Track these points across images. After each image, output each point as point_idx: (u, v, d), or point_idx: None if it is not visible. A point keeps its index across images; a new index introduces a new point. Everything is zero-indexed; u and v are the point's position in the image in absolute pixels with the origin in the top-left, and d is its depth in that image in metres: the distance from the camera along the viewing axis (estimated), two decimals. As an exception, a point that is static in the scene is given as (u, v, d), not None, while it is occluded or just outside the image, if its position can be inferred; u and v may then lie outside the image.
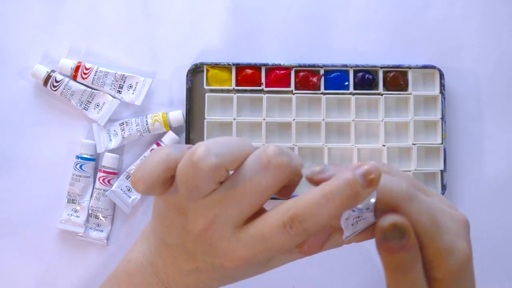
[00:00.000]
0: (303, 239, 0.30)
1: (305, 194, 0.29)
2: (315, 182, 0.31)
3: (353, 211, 0.32)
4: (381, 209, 0.31)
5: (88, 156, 0.57)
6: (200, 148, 0.29)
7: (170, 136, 0.57)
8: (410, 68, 0.58)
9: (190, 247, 0.32)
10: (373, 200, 0.30)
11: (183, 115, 0.58)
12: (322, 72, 0.58)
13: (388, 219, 0.30)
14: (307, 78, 0.58)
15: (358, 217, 0.32)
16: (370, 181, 0.28)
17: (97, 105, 0.58)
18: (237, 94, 0.57)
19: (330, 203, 0.29)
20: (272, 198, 0.32)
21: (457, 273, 0.32)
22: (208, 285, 0.35)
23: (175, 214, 0.32)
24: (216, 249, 0.31)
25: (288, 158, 0.30)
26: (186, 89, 0.58)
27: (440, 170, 0.57)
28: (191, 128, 0.58)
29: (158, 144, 0.57)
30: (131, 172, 0.57)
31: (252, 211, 0.31)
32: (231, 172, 0.31)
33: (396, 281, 0.31)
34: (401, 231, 0.30)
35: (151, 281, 0.35)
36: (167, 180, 0.31)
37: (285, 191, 0.33)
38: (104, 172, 0.57)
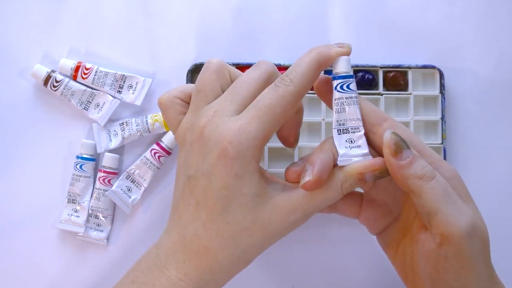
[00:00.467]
0: (290, 92, 0.35)
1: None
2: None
3: (336, 89, 0.37)
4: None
5: (88, 156, 0.57)
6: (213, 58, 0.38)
7: (170, 136, 0.57)
8: (410, 68, 0.58)
9: (192, 166, 0.35)
10: (350, 72, 0.37)
11: (183, 115, 0.58)
12: (321, 72, 0.58)
13: (387, 133, 0.35)
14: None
15: (351, 141, 0.36)
16: (342, 44, 0.37)
17: (97, 105, 0.58)
18: (237, 94, 0.57)
19: (308, 54, 0.36)
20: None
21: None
22: (202, 242, 0.34)
23: (185, 136, 0.37)
24: (213, 141, 0.34)
25: (273, 65, 0.39)
26: (186, 89, 0.58)
27: (440, 170, 0.57)
28: (191, 128, 0.58)
29: (158, 144, 0.57)
30: (131, 171, 0.57)
31: (243, 101, 0.36)
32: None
33: (430, 192, 0.33)
34: (403, 140, 0.35)
35: (151, 263, 0.36)
36: (183, 102, 0.40)
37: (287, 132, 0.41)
38: (104, 172, 0.57)
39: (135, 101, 0.58)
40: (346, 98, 0.37)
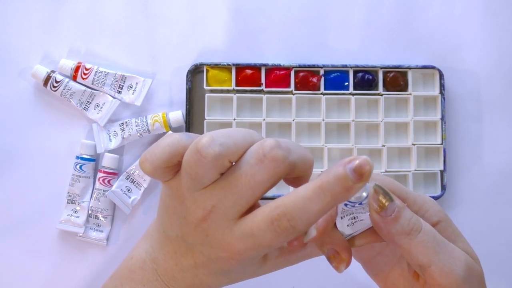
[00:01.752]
0: (291, 237, 0.30)
1: (295, 191, 0.29)
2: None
3: (346, 205, 0.32)
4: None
5: (88, 157, 0.57)
6: (205, 137, 0.30)
7: (170, 137, 0.57)
8: (410, 68, 0.58)
9: (189, 239, 0.33)
10: (365, 194, 0.31)
11: (183, 116, 0.58)
12: (322, 72, 0.58)
13: (370, 188, 0.32)
14: (307, 78, 0.58)
15: (354, 218, 0.33)
16: (361, 175, 0.27)
17: (97, 106, 0.58)
18: (237, 95, 0.57)
19: (320, 198, 0.28)
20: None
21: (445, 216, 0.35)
22: (205, 283, 0.35)
23: (177, 203, 0.33)
24: (212, 240, 0.31)
25: (284, 153, 0.30)
26: (186, 89, 0.58)
27: (440, 171, 0.57)
28: (191, 129, 0.58)
29: (158, 145, 0.57)
30: (131, 172, 0.57)
31: (247, 204, 0.31)
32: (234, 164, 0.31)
33: (420, 246, 0.32)
34: (386, 192, 0.32)
35: (151, 278, 0.35)
36: (174, 166, 0.32)
37: (299, 182, 0.33)
38: (104, 172, 0.57)
39: (135, 102, 0.58)
40: (355, 213, 0.34)
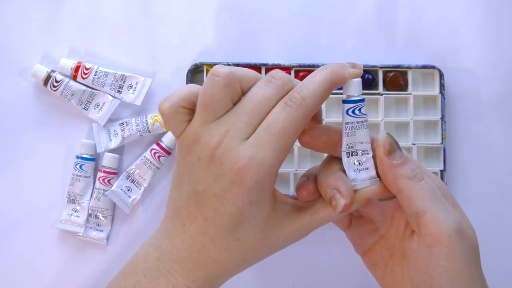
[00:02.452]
0: (302, 111, 0.33)
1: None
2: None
3: (347, 111, 0.36)
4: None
5: (88, 156, 0.57)
6: (217, 65, 0.34)
7: (170, 136, 0.57)
8: (410, 68, 0.58)
9: (201, 185, 0.33)
10: (360, 97, 0.37)
11: (183, 115, 0.58)
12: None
13: (382, 133, 0.36)
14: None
15: (359, 163, 0.37)
16: (354, 64, 0.36)
17: (97, 105, 0.58)
18: (237, 94, 0.57)
19: (321, 71, 0.35)
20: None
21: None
22: (211, 256, 0.34)
23: (192, 149, 0.34)
24: (226, 166, 0.32)
25: (289, 76, 0.35)
26: (186, 89, 0.58)
27: (440, 170, 0.57)
28: (191, 128, 0.58)
29: (158, 144, 0.57)
30: (131, 171, 0.57)
31: (258, 121, 0.33)
32: None
33: (419, 192, 0.34)
34: (397, 141, 0.36)
35: (152, 268, 0.35)
36: (189, 111, 0.35)
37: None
38: (104, 172, 0.57)
39: (135, 101, 0.58)
40: (357, 122, 0.37)
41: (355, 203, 0.36)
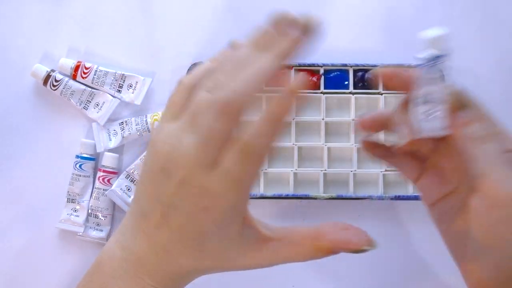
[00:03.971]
0: (256, 163, 0.32)
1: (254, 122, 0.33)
2: None
3: (420, 65, 0.32)
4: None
5: (88, 156, 0.57)
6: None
7: (169, 136, 0.57)
8: (410, 67, 0.58)
9: (167, 198, 0.33)
10: (436, 52, 0.32)
11: (183, 115, 0.58)
12: (321, 71, 0.58)
13: (454, 85, 0.33)
14: (307, 77, 0.58)
15: (429, 113, 0.33)
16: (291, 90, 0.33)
17: (97, 105, 0.58)
18: (237, 94, 0.57)
19: (268, 122, 0.33)
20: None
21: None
22: (178, 261, 0.34)
23: (156, 161, 0.33)
24: (194, 190, 0.32)
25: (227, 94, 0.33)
26: (186, 88, 0.58)
27: (440, 170, 0.57)
28: (191, 128, 0.58)
29: (157, 144, 0.57)
30: (131, 171, 0.57)
31: (215, 147, 0.32)
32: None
33: (483, 153, 0.33)
34: (468, 97, 0.34)
35: (120, 270, 0.35)
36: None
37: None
38: (104, 171, 0.57)
39: (135, 101, 0.58)
40: (435, 77, 0.33)
41: (319, 255, 0.35)
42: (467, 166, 0.34)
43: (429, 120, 0.33)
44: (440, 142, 0.36)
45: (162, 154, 0.33)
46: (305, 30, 0.34)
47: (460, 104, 0.34)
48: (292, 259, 0.36)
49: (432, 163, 0.40)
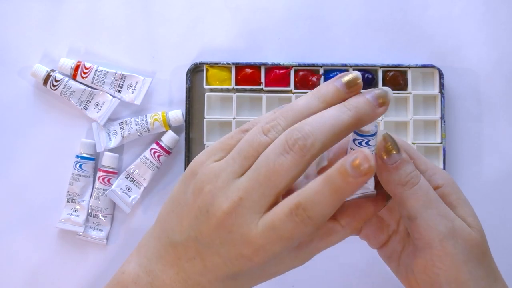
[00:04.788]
0: (310, 228, 0.30)
1: (309, 183, 0.30)
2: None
3: (354, 141, 0.34)
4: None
5: (88, 156, 0.57)
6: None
7: (169, 136, 0.57)
8: (409, 67, 0.58)
9: (205, 238, 0.31)
10: (373, 130, 0.33)
11: (183, 115, 0.58)
12: (321, 71, 0.58)
13: (379, 136, 0.34)
14: (307, 77, 0.58)
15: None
16: (359, 172, 0.28)
17: (97, 105, 0.58)
18: (236, 94, 0.57)
19: (327, 191, 0.29)
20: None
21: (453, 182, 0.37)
22: None
23: (198, 197, 0.32)
24: (235, 236, 0.30)
25: (303, 141, 0.30)
26: (186, 88, 0.58)
27: (440, 170, 0.57)
28: (191, 128, 0.58)
29: (158, 144, 0.57)
30: (131, 171, 0.57)
31: (275, 196, 0.30)
32: None
33: (411, 198, 0.34)
34: (395, 142, 0.34)
35: None
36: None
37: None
38: (104, 171, 0.57)
39: (135, 101, 0.58)
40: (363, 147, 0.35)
41: (354, 233, 0.36)
42: (399, 209, 0.35)
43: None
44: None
45: (204, 192, 0.31)
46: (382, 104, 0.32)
47: (387, 151, 0.34)
48: (329, 247, 0.36)
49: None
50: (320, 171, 0.36)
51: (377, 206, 0.36)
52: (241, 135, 0.33)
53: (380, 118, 0.57)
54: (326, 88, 0.31)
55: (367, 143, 0.34)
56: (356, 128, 0.31)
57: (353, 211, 0.35)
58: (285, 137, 0.30)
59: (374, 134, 0.34)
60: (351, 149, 0.35)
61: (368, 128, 0.33)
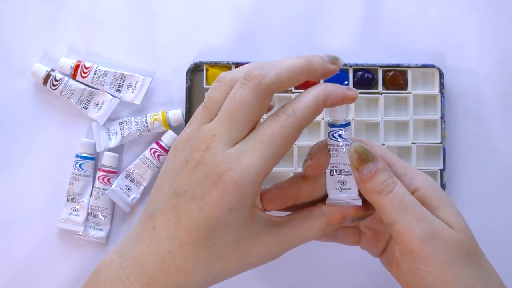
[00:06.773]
0: (293, 123, 0.34)
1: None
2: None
3: (330, 134, 0.37)
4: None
5: (88, 155, 0.57)
6: (224, 72, 0.37)
7: (170, 135, 0.57)
8: (409, 67, 0.58)
9: (183, 185, 0.33)
10: (345, 120, 0.37)
11: (183, 114, 0.58)
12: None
13: (351, 146, 0.37)
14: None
15: (343, 182, 0.37)
16: (350, 88, 0.36)
17: (97, 104, 0.58)
18: (236, 93, 0.57)
19: (316, 88, 0.35)
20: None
21: (434, 184, 0.38)
22: (177, 262, 0.33)
23: (183, 147, 0.35)
24: (210, 168, 0.33)
25: (260, 71, 0.34)
26: (186, 88, 0.58)
27: (440, 169, 0.57)
28: (191, 127, 0.58)
29: (157, 143, 0.57)
30: (130, 170, 0.57)
31: (243, 128, 0.34)
32: None
33: (387, 205, 0.35)
34: (367, 151, 0.36)
35: (112, 275, 0.34)
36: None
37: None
38: (104, 171, 0.57)
39: (135, 100, 0.58)
40: (337, 146, 0.38)
41: (330, 224, 0.37)
42: (380, 216, 0.36)
43: (343, 191, 0.37)
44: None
45: (183, 149, 0.35)
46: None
47: (360, 162, 0.36)
48: (306, 236, 0.37)
49: (363, 227, 0.43)
50: (306, 169, 0.38)
51: (357, 211, 0.38)
52: None
53: (380, 118, 0.57)
54: (314, 55, 0.36)
55: (339, 135, 0.37)
56: (309, 72, 0.35)
57: (334, 205, 0.37)
58: (243, 74, 0.34)
59: (346, 125, 0.37)
60: (328, 144, 0.38)
61: (338, 116, 0.37)
